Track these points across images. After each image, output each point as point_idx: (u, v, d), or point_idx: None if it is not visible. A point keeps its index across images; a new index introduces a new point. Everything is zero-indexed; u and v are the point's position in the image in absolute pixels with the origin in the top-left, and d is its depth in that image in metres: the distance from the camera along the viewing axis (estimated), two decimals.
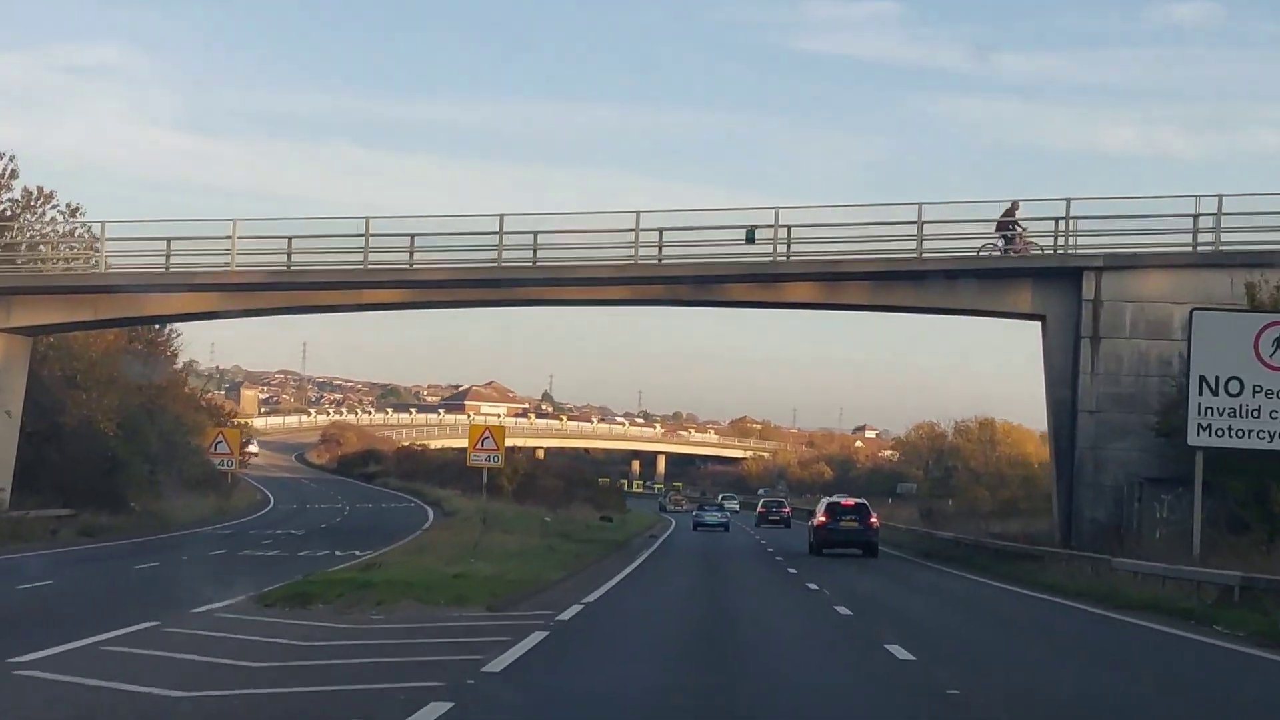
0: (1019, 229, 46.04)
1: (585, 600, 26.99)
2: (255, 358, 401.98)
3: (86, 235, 58.28)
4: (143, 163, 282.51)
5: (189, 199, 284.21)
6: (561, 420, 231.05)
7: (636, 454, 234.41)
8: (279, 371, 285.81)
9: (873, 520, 58.28)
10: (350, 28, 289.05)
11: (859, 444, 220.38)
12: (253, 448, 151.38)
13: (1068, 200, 45.61)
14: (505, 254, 47.47)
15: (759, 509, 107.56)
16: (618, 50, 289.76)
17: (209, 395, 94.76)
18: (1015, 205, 46.16)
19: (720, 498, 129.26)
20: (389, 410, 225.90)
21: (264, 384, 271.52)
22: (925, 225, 45.98)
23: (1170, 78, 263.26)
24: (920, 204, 46.27)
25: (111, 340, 71.57)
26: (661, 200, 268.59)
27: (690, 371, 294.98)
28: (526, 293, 48.92)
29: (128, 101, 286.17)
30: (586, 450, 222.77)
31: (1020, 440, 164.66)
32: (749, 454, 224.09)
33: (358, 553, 41.87)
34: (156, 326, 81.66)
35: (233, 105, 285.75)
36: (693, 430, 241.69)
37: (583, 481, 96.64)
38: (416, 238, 48.48)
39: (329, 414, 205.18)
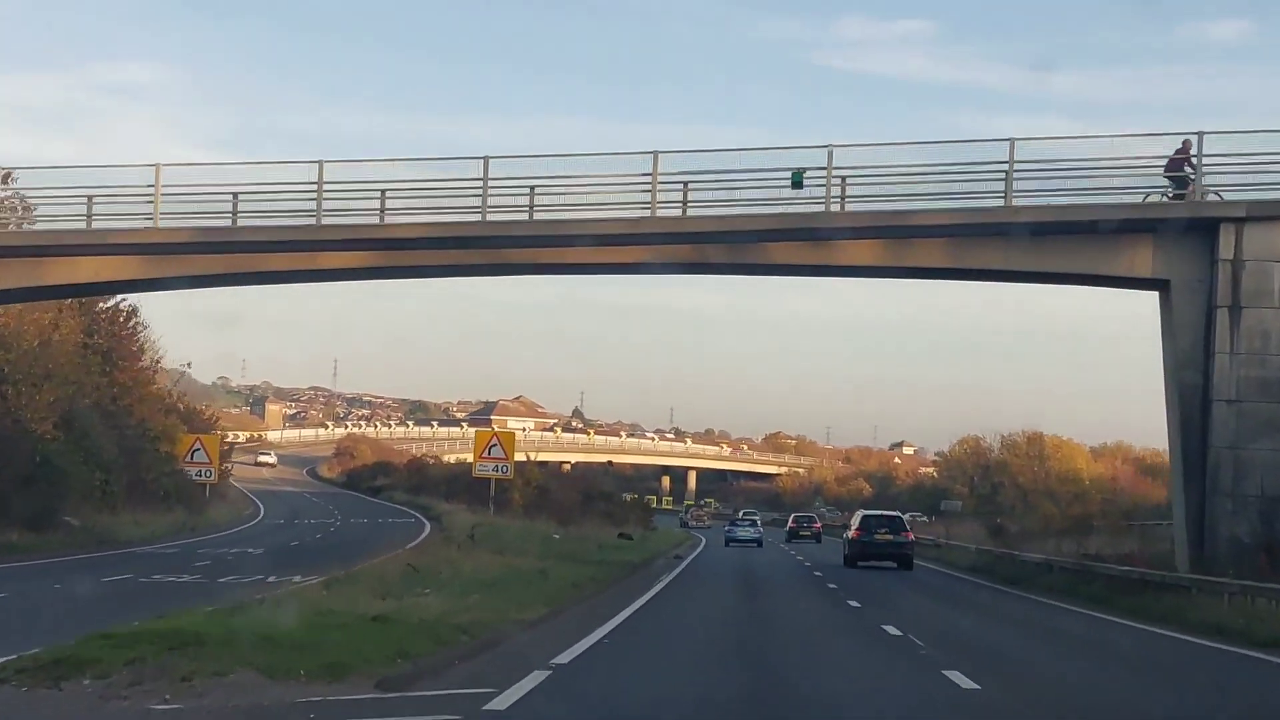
0: (1191, 172, 36.31)
1: (556, 661, 17.45)
2: (287, 373, 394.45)
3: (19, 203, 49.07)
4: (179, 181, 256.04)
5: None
6: (589, 434, 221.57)
7: (666, 469, 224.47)
8: (310, 388, 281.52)
9: (908, 533, 59.00)
10: (390, 48, 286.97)
11: (897, 460, 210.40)
12: (270, 458, 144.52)
13: (1199, 135, 36.11)
14: (495, 206, 38.24)
15: (790, 524, 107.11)
16: (649, 68, 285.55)
17: (183, 398, 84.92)
18: (1187, 143, 36.29)
19: (740, 513, 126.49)
20: (409, 424, 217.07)
21: (293, 399, 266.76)
22: (1016, 167, 36.59)
23: (1209, 94, 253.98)
24: (1011, 140, 36.87)
25: (66, 334, 62.63)
26: None
27: (723, 388, 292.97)
28: (520, 255, 39.43)
29: (164, 120, 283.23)
30: (610, 463, 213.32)
31: (1070, 455, 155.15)
32: (783, 470, 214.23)
33: (298, 578, 32.69)
34: (124, 316, 72.94)
35: (270, 124, 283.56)
36: (724, 445, 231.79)
37: (603, 496, 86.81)
38: (388, 193, 39.38)
39: (347, 428, 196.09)
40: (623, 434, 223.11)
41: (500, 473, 64.03)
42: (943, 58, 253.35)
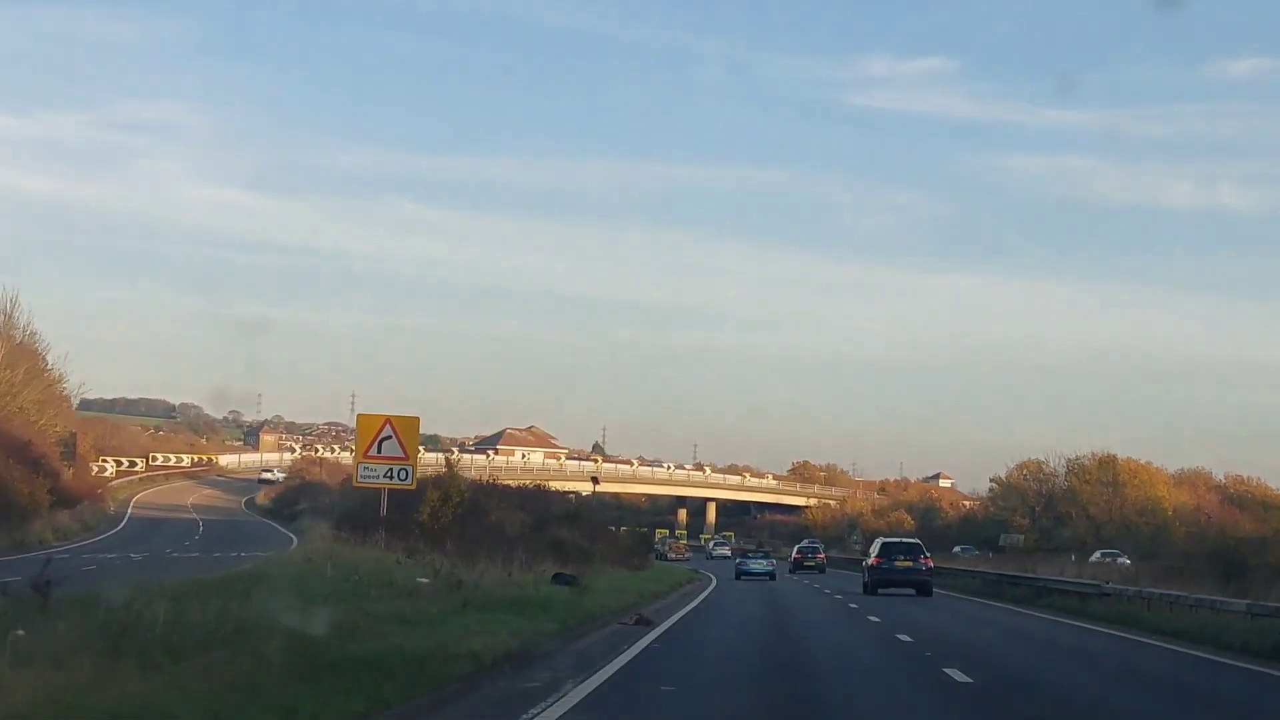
0: None
1: None
2: (306, 409, 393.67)
3: None
4: (203, 219, 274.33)
5: (249, 256, 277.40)
6: (597, 462, 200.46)
7: (682, 501, 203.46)
8: (325, 423, 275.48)
9: (927, 559, 60.88)
10: (415, 87, 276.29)
11: (933, 493, 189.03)
12: (271, 475, 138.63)
13: None
14: None
15: (794, 555, 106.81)
16: (670, 109, 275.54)
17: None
18: None
19: (712, 543, 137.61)
20: None
21: (307, 434, 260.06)
22: None
23: (1227, 133, 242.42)
24: None
25: None
26: (709, 258, 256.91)
27: (748, 424, 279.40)
28: None
29: (188, 160, 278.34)
30: (617, 496, 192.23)
31: (1149, 481, 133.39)
32: (812, 502, 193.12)
33: None
34: None
35: (296, 163, 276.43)
36: (747, 475, 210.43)
37: (569, 518, 65.20)
38: None
39: (317, 451, 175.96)
40: (634, 463, 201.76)
41: (398, 480, 43.64)
42: (964, 95, 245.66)
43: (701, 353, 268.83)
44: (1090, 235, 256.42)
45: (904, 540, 67.19)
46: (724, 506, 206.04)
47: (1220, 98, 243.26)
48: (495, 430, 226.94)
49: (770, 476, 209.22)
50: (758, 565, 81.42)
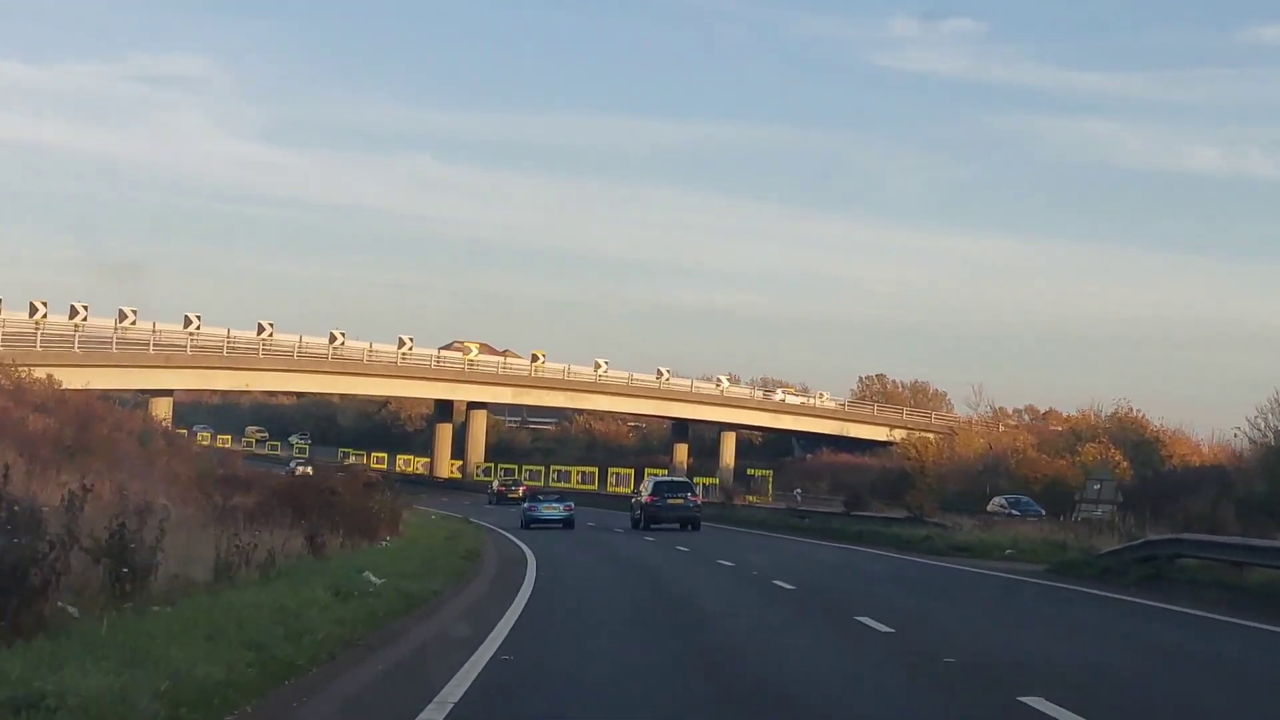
0: None
1: None
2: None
3: None
4: (220, 173, 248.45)
5: (266, 210, 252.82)
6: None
7: (683, 430, 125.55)
8: None
9: (696, 497, 68.49)
10: (436, 42, 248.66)
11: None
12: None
13: None
14: None
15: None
16: (698, 67, 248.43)
17: None
18: None
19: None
20: None
21: None
22: None
23: (1257, 97, 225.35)
24: None
25: None
26: (728, 217, 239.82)
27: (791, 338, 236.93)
28: None
29: (208, 112, 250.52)
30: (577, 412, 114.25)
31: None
32: (898, 435, 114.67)
33: None
34: None
35: (313, 118, 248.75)
36: (788, 394, 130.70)
37: None
38: None
39: None
40: (601, 366, 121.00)
41: None
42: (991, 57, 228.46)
43: (727, 313, 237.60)
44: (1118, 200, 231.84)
45: (674, 479, 76.39)
46: (747, 443, 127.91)
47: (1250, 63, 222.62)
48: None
49: (823, 396, 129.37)
50: (552, 511, 68.40)
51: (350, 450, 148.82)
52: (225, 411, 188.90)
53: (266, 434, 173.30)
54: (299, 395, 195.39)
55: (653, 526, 62.33)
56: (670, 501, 64.41)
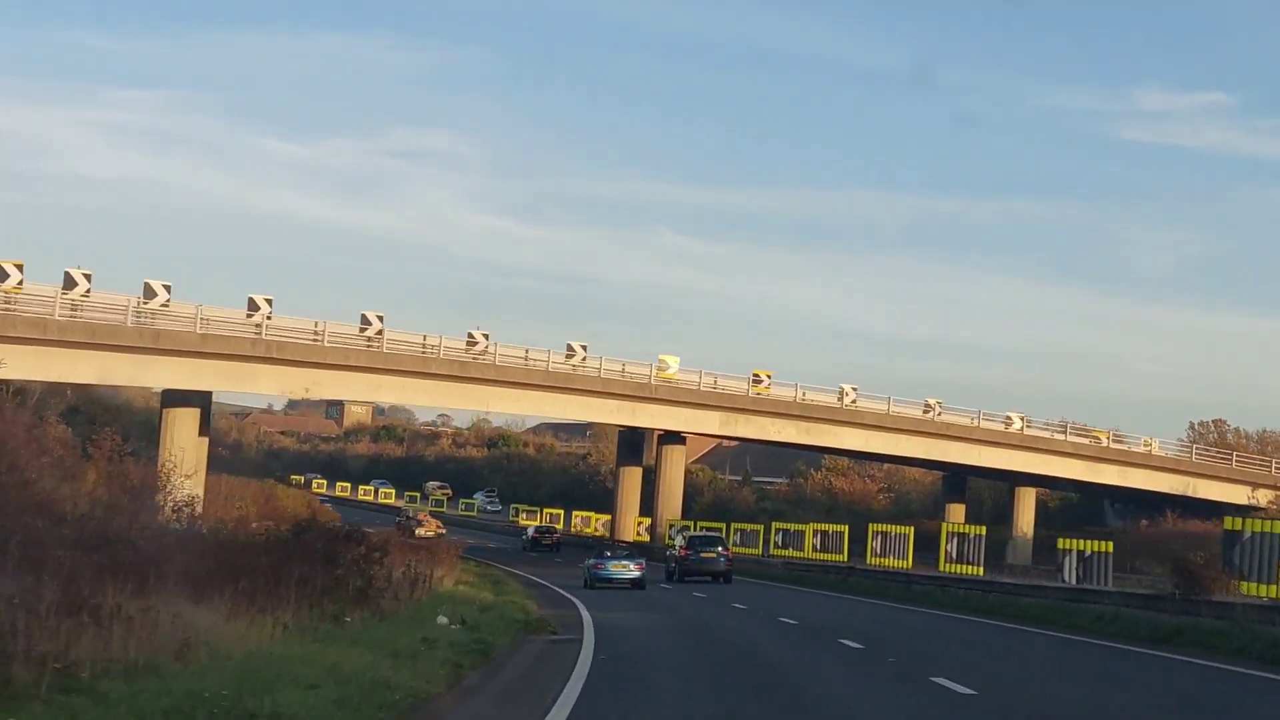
0: None
1: None
2: None
3: None
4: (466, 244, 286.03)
5: (510, 281, 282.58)
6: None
7: (959, 479, 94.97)
8: None
9: (727, 550, 68.88)
10: (662, 118, 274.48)
11: None
12: None
13: None
14: None
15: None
16: (927, 136, 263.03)
17: None
18: None
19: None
20: None
21: None
22: None
23: None
24: None
25: None
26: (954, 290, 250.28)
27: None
28: None
29: (455, 186, 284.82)
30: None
31: None
32: (1269, 498, 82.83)
33: None
34: None
35: (556, 192, 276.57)
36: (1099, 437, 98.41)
37: None
38: None
39: None
40: (850, 392, 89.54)
41: None
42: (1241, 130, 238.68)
43: (967, 389, 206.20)
44: None
45: (708, 534, 75.61)
46: (1041, 506, 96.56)
47: None
48: None
49: (1153, 443, 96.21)
50: (619, 571, 63.20)
51: (544, 508, 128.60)
52: (408, 465, 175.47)
53: (449, 489, 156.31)
54: (489, 447, 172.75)
55: (686, 579, 65.12)
56: (703, 555, 66.80)
